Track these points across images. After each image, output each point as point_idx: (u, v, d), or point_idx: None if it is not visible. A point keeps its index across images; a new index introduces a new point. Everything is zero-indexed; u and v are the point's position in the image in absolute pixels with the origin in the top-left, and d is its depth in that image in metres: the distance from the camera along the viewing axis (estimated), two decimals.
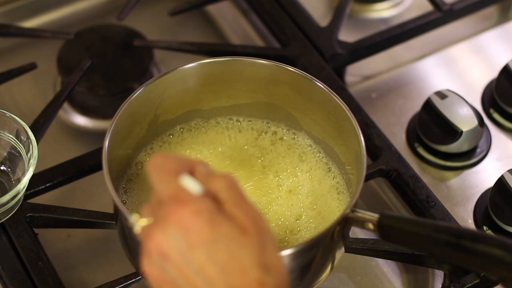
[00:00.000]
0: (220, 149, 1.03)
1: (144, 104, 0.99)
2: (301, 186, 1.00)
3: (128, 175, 1.00)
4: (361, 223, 0.89)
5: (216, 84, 1.02)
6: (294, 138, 1.04)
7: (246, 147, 1.03)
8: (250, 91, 1.02)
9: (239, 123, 1.05)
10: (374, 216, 0.88)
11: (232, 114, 1.05)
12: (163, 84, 1.00)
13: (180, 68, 1.00)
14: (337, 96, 0.97)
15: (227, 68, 1.01)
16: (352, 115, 0.95)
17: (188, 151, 1.03)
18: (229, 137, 1.04)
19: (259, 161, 1.02)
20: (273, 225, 0.97)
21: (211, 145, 1.03)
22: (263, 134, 1.04)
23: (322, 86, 0.98)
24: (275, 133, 1.04)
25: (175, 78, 1.00)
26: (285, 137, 1.04)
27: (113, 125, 0.95)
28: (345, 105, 0.96)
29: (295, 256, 0.88)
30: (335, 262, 0.94)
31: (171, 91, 1.01)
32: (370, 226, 0.88)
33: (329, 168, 1.01)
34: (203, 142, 1.03)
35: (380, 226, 0.88)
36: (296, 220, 0.97)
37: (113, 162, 0.94)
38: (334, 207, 0.97)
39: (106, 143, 0.93)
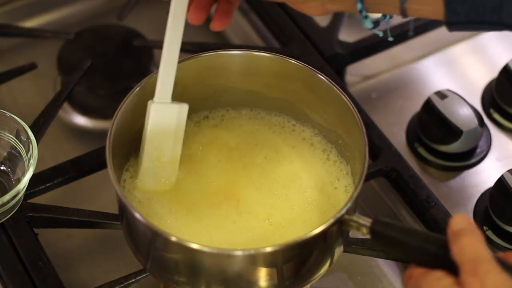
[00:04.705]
0: (231, 139, 1.03)
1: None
2: (309, 182, 1.00)
3: (127, 171, 1.00)
4: (356, 227, 0.89)
5: (232, 76, 1.02)
6: (303, 135, 1.03)
7: (256, 139, 1.03)
8: (266, 86, 1.02)
9: (252, 115, 1.05)
10: (367, 221, 0.88)
11: (246, 107, 1.05)
12: (179, 71, 0.99)
13: (197, 56, 1.00)
14: (348, 99, 0.96)
15: (244, 61, 1.01)
16: (360, 117, 0.95)
17: (199, 139, 1.03)
18: (242, 125, 1.04)
19: (269, 153, 1.02)
20: (281, 216, 0.97)
21: (223, 135, 1.03)
22: (274, 127, 1.04)
23: (334, 87, 0.98)
24: (285, 127, 1.04)
25: (191, 66, 1.00)
26: (295, 133, 1.04)
27: (119, 113, 0.95)
28: (355, 108, 0.96)
29: (284, 252, 0.88)
30: (334, 259, 0.94)
31: (187, 79, 1.01)
32: (364, 230, 0.88)
33: (338, 166, 1.01)
34: (215, 132, 1.03)
35: (373, 232, 0.87)
36: (302, 215, 0.97)
37: (115, 157, 0.94)
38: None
39: (110, 135, 0.93)
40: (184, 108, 0.96)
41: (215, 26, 0.94)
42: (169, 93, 0.95)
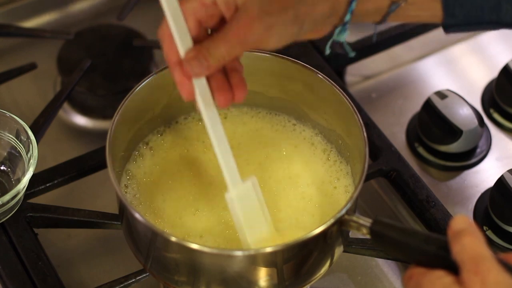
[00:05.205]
0: (234, 137, 1.03)
1: (155, 92, 0.99)
2: (309, 182, 1.00)
3: (127, 171, 1.00)
4: (356, 227, 0.89)
5: None
6: (304, 135, 1.03)
7: (260, 137, 1.03)
8: (266, 86, 1.03)
9: (254, 114, 1.05)
10: (367, 221, 0.88)
11: (247, 106, 1.05)
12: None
13: None
14: (348, 99, 0.96)
15: (245, 61, 1.01)
16: (360, 117, 0.95)
17: (201, 138, 1.03)
18: (243, 124, 1.04)
19: (271, 152, 1.02)
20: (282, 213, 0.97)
21: (226, 133, 1.03)
22: (276, 126, 1.04)
23: (335, 87, 0.98)
24: (286, 127, 1.04)
25: None
26: (295, 132, 1.04)
27: (119, 112, 0.95)
28: (355, 108, 0.96)
29: (284, 252, 0.88)
30: (334, 259, 0.95)
31: None
32: (364, 231, 0.88)
33: (338, 165, 1.01)
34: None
35: (372, 232, 0.87)
36: (302, 215, 0.97)
37: (115, 157, 0.94)
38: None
39: (110, 134, 0.93)
40: (254, 180, 0.92)
41: (238, 98, 0.91)
42: (237, 176, 0.91)
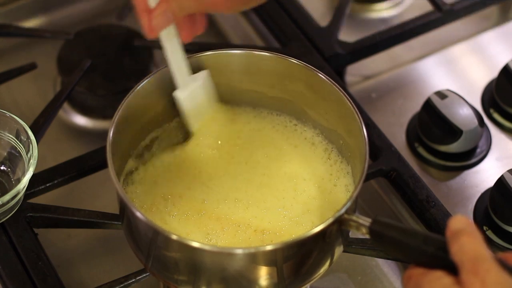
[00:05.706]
0: (236, 137, 1.03)
1: (155, 92, 0.99)
2: (311, 181, 1.00)
3: (127, 170, 1.00)
4: (355, 227, 0.89)
5: (234, 76, 1.02)
6: (305, 135, 1.04)
7: (260, 137, 1.03)
8: (267, 85, 1.03)
9: (256, 114, 1.05)
10: (367, 221, 0.88)
11: (249, 106, 1.05)
12: None
13: (197, 56, 1.00)
14: (349, 99, 0.97)
15: (245, 60, 1.01)
16: (361, 117, 0.95)
17: (202, 137, 1.03)
18: (244, 124, 1.04)
19: (271, 152, 1.02)
20: (279, 214, 0.97)
21: (227, 132, 1.03)
22: (277, 126, 1.04)
23: (336, 87, 0.98)
24: (287, 127, 1.04)
25: (192, 66, 1.00)
26: (297, 132, 1.04)
27: (119, 112, 0.95)
28: (355, 108, 0.96)
29: (284, 251, 0.88)
30: (334, 259, 0.95)
31: None
32: (363, 230, 0.88)
33: (339, 165, 1.01)
34: (220, 130, 1.03)
35: (372, 232, 0.87)
36: (302, 213, 0.97)
37: (115, 157, 0.94)
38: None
39: (111, 134, 0.93)
40: (205, 75, 0.98)
41: (200, 29, 0.96)
42: (188, 78, 0.97)
